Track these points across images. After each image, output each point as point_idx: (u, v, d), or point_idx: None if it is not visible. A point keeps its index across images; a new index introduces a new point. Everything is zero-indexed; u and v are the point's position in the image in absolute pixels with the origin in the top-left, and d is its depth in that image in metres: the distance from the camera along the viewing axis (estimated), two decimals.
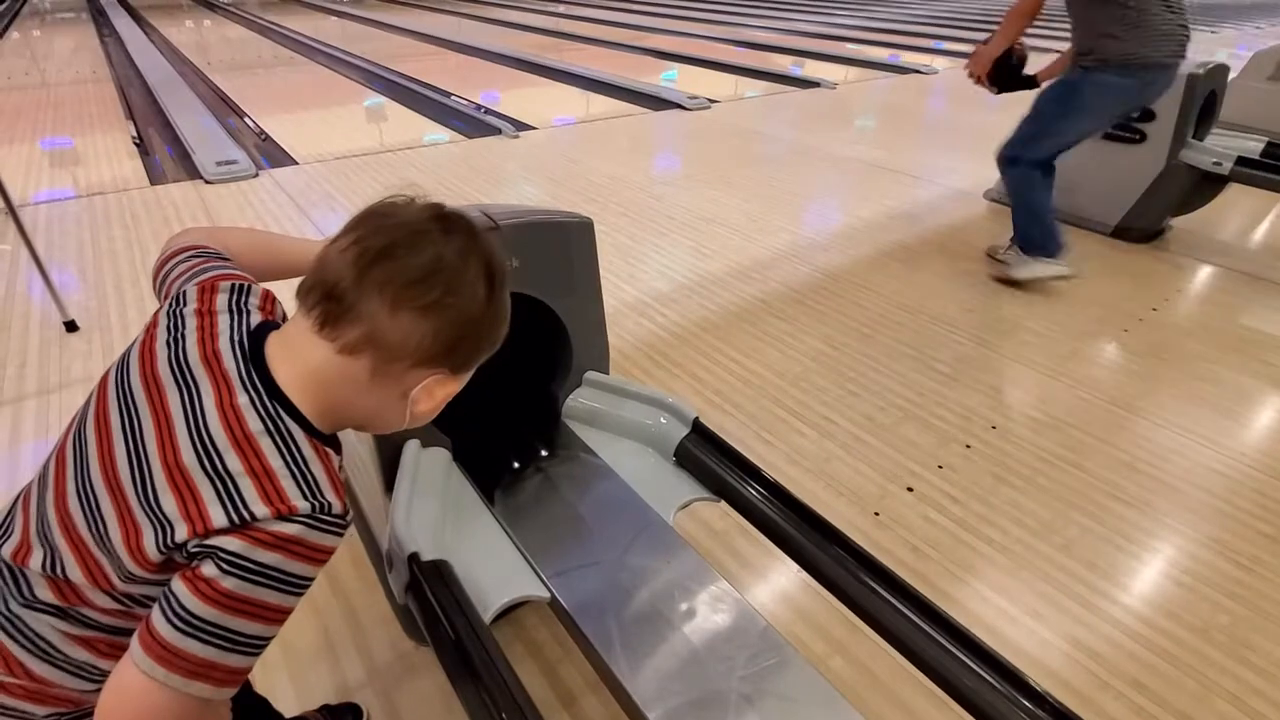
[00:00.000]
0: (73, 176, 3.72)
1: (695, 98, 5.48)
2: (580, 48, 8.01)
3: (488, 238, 0.64)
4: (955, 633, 0.99)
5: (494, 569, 0.98)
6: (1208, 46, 8.57)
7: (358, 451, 1.21)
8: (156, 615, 0.53)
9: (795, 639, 1.31)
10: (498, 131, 4.51)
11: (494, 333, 0.66)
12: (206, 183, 3.60)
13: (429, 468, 1.08)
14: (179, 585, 0.52)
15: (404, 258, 0.58)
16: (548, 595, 0.97)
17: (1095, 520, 1.61)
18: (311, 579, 0.57)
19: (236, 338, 0.62)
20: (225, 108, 5.23)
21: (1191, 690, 1.26)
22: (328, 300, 0.59)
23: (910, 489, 1.68)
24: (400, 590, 0.94)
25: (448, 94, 5.54)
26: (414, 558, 0.90)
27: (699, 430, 1.17)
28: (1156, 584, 1.48)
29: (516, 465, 1.19)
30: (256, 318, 0.65)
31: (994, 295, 2.64)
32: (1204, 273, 2.91)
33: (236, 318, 0.64)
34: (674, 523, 1.10)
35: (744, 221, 3.26)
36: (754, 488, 1.09)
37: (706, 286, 2.64)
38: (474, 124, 4.74)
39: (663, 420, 1.19)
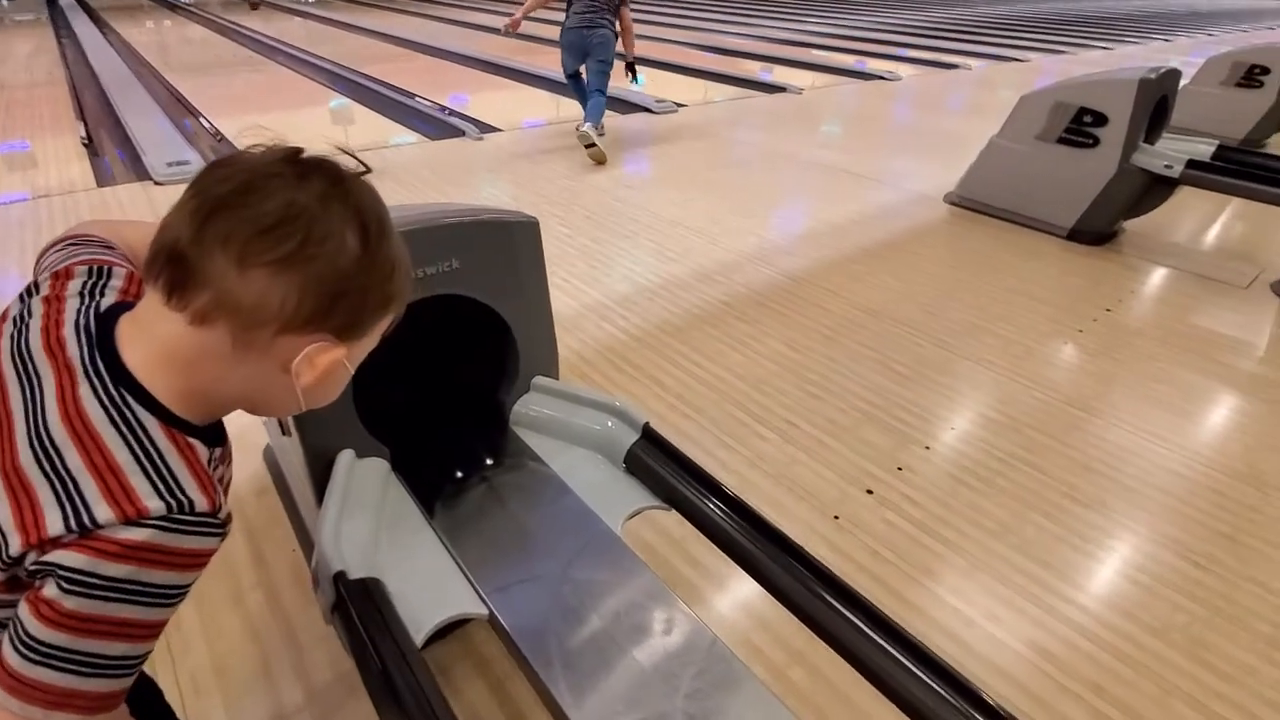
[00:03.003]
0: (20, 180, 3.57)
1: (662, 101, 5.47)
2: (551, 51, 7.96)
3: (356, 181, 0.55)
4: (910, 647, 0.96)
5: (429, 586, 0.93)
6: (1162, 53, 8.84)
7: (293, 461, 1.15)
8: (5, 642, 0.47)
9: (753, 649, 1.28)
10: (462, 134, 4.44)
11: (382, 290, 0.56)
12: (156, 184, 3.48)
13: (364, 479, 1.03)
14: (23, 609, 0.47)
15: (250, 205, 0.50)
16: (486, 612, 0.92)
17: (1052, 520, 1.61)
18: (183, 587, 0.50)
19: (82, 321, 0.54)
20: (181, 109, 5.08)
21: (1150, 693, 1.25)
22: (170, 264, 0.50)
23: (870, 491, 1.67)
24: (325, 611, 0.88)
25: (412, 95, 5.45)
26: (340, 576, 0.85)
27: (649, 436, 1.13)
28: (1113, 584, 1.48)
29: (460, 475, 1.14)
30: (112, 299, 0.57)
31: (953, 298, 2.66)
32: (1156, 274, 2.96)
33: (87, 301, 0.56)
34: (624, 532, 1.06)
35: (708, 224, 3.24)
36: (705, 496, 1.06)
37: (670, 289, 2.62)
38: (439, 126, 4.66)
39: (611, 426, 1.15)
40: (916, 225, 3.36)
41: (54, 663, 0.46)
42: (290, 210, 0.50)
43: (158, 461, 0.50)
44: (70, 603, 0.46)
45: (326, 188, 0.52)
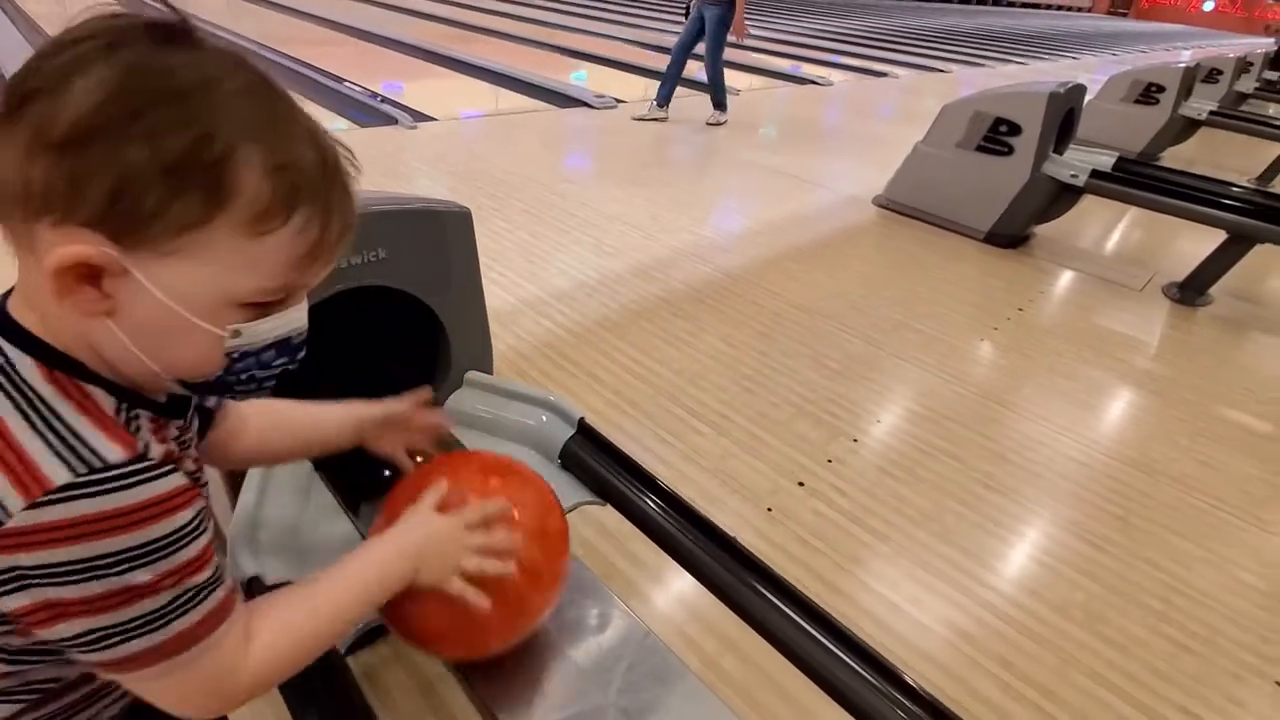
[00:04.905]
0: None
1: (602, 96, 5.45)
2: (490, 40, 7.81)
3: (125, 24, 0.41)
4: (836, 632, 0.99)
5: None
6: (1071, 70, 9.43)
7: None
8: (76, 656, 0.45)
9: (686, 640, 1.30)
10: (395, 122, 4.30)
11: (167, 161, 0.39)
12: None
13: (283, 479, 0.98)
14: (41, 631, 0.43)
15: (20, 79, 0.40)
16: None
17: (969, 508, 1.70)
18: (173, 534, 0.44)
19: None
20: None
21: (1052, 665, 1.34)
22: None
23: (801, 483, 1.72)
24: None
25: (340, 80, 5.24)
26: (254, 582, 0.81)
27: (584, 431, 1.13)
28: (1022, 566, 1.57)
29: (387, 473, 1.11)
30: None
31: (880, 295, 2.76)
32: (1063, 276, 3.16)
33: None
34: None
35: (646, 221, 3.26)
36: (640, 490, 1.06)
37: (608, 285, 2.62)
38: (370, 113, 4.49)
39: (546, 421, 1.14)
40: (847, 226, 3.48)
41: (114, 638, 0.43)
42: (28, 67, 0.40)
43: (43, 412, 0.42)
44: (70, 592, 0.41)
45: (101, 43, 0.40)
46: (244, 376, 0.49)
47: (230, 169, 0.41)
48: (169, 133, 0.39)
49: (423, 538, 0.66)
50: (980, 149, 3.25)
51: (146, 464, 0.43)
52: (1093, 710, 1.26)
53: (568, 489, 1.10)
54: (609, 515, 1.18)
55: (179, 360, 0.46)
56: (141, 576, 0.43)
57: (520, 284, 2.57)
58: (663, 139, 4.70)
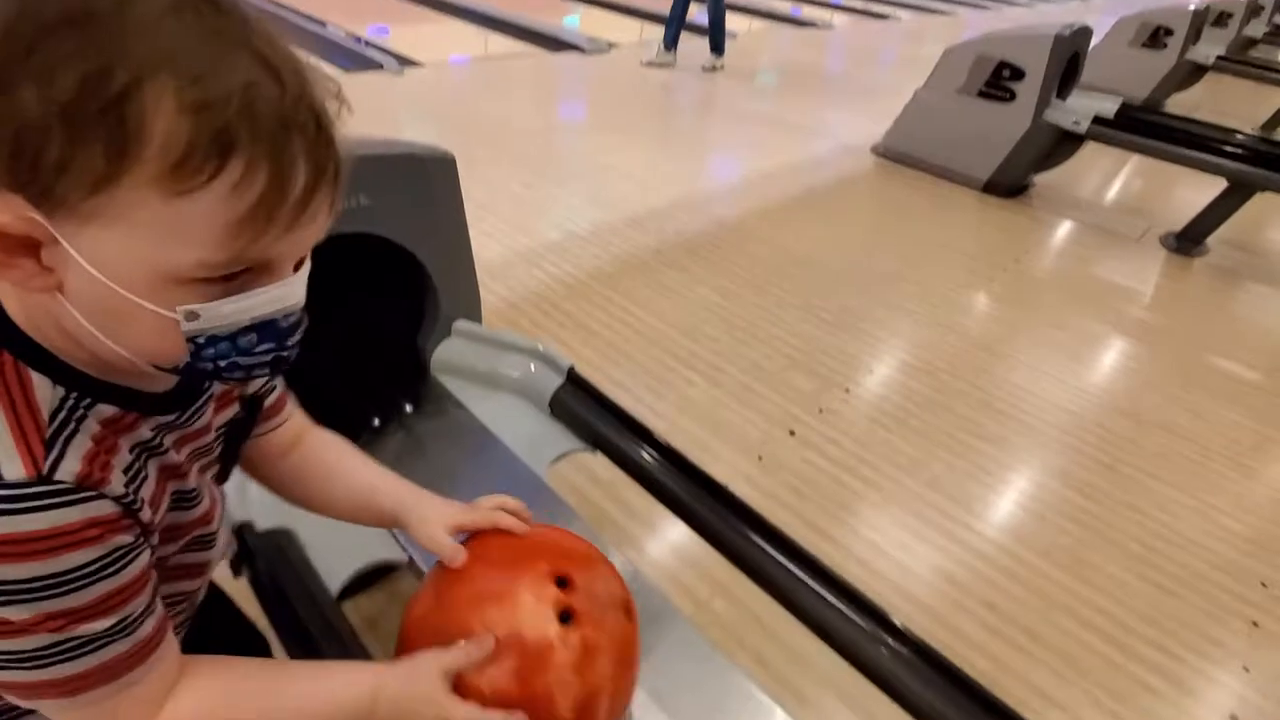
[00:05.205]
0: None
1: (595, 40, 5.27)
2: None
3: None
4: (824, 575, 1.01)
5: (345, 534, 0.90)
6: (1077, 13, 9.16)
7: None
8: None
9: (677, 583, 1.32)
10: (380, 67, 4.16)
11: (55, 119, 0.32)
12: None
13: None
14: None
15: None
16: (406, 558, 0.90)
17: (959, 457, 1.72)
18: (54, 577, 0.37)
19: None
20: None
21: (1036, 607, 1.37)
22: None
23: (792, 433, 1.72)
24: (233, 564, 0.85)
25: (323, 23, 5.04)
26: (245, 528, 0.81)
27: (574, 380, 1.12)
28: (1009, 512, 1.60)
29: (377, 423, 1.11)
30: None
31: (876, 246, 2.73)
32: (1061, 226, 3.13)
33: None
34: (550, 476, 1.05)
35: (642, 170, 3.19)
36: (630, 438, 1.07)
37: (600, 236, 2.57)
38: (355, 58, 4.34)
39: (535, 370, 1.13)
40: (844, 176, 3.41)
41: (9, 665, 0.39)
42: None
43: None
44: None
45: None
46: (223, 364, 0.41)
47: (133, 109, 0.33)
48: (61, 67, 0.32)
49: (405, 698, 0.53)
50: (982, 95, 3.17)
51: (41, 489, 0.37)
52: (1074, 649, 1.30)
53: (557, 438, 1.10)
54: (599, 463, 1.18)
55: (137, 345, 0.39)
56: (15, 613, 0.37)
57: (513, 235, 2.52)
58: (657, 85, 4.56)
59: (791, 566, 1.01)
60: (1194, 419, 1.95)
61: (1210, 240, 2.97)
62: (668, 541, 1.41)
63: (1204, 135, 3.00)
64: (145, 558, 0.43)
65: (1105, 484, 1.69)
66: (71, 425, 0.40)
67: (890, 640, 0.96)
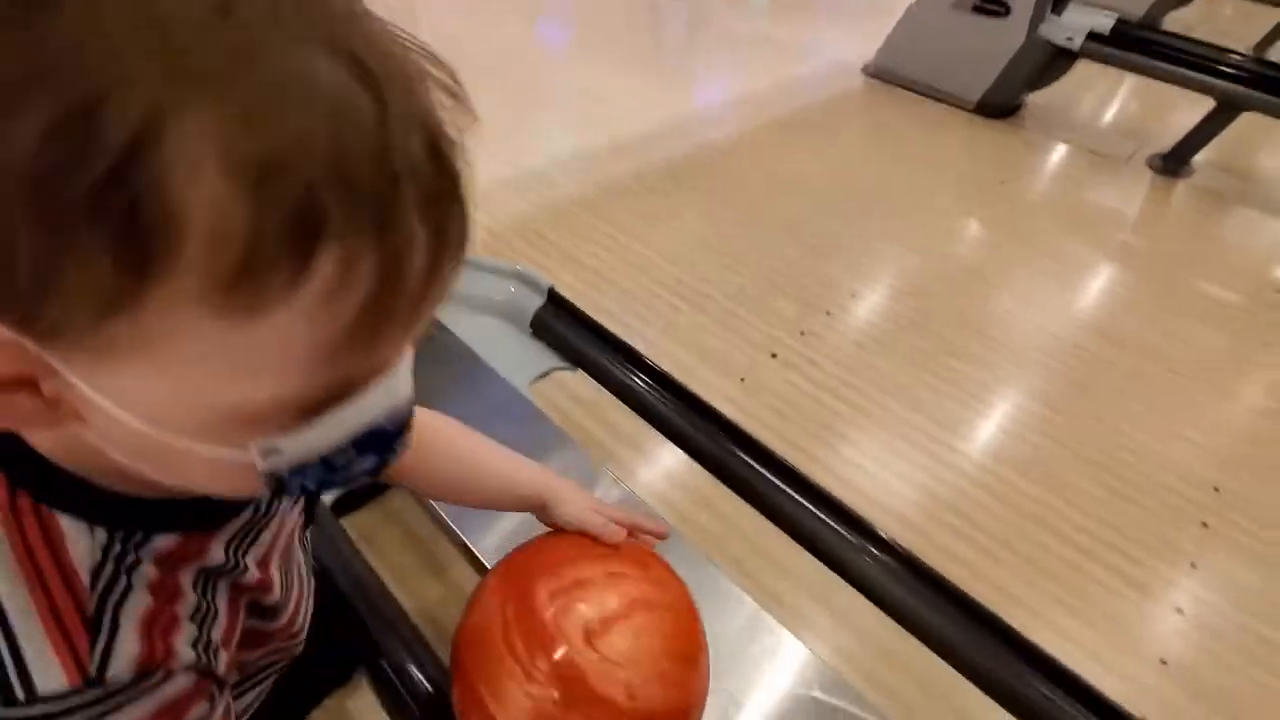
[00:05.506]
0: None
1: None
2: None
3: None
4: (808, 488, 1.04)
5: None
6: None
7: None
8: None
9: (662, 498, 1.35)
10: None
11: (20, 204, 0.20)
12: None
13: None
14: None
15: None
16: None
17: (941, 379, 1.74)
18: None
19: None
20: None
21: (1010, 519, 1.43)
22: None
23: (774, 355, 1.74)
24: None
25: None
26: None
27: (555, 300, 1.12)
28: (988, 432, 1.64)
29: None
30: None
31: (864, 170, 2.69)
32: (1050, 148, 3.08)
33: None
34: (532, 394, 1.06)
35: (626, 95, 3.08)
36: (612, 356, 1.07)
37: (585, 163, 2.51)
38: None
39: (515, 291, 1.12)
40: (834, 97, 3.32)
41: None
42: None
43: None
44: None
45: None
46: (314, 485, 0.30)
47: (150, 177, 0.19)
48: (18, 107, 0.19)
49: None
50: (977, 9, 3.05)
51: (91, 695, 0.28)
52: (1040, 556, 1.36)
53: (538, 357, 1.10)
54: (582, 382, 1.19)
55: (198, 484, 0.29)
56: None
57: (494, 163, 2.45)
58: (643, 3, 4.36)
59: (775, 479, 1.04)
60: (1171, 339, 1.98)
61: (1196, 161, 2.94)
62: (652, 455, 1.43)
63: (1195, 53, 2.92)
64: (219, 713, 0.35)
65: (1078, 402, 1.73)
66: (122, 582, 0.30)
67: (874, 549, 1.00)
